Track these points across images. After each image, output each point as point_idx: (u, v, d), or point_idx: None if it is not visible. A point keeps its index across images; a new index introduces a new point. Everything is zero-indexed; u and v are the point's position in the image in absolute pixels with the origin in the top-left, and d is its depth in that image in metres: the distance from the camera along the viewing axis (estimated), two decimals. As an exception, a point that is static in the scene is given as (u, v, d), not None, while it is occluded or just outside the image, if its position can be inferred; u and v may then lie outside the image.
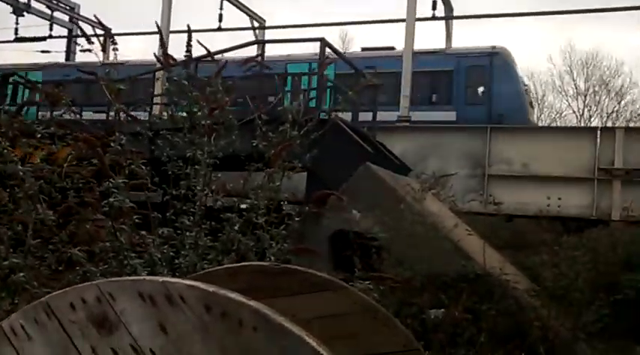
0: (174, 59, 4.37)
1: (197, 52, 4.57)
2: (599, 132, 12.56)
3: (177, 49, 4.77)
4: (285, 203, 4.47)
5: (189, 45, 4.39)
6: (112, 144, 3.61)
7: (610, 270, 8.31)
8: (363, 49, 20.05)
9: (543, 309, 7.17)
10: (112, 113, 6.73)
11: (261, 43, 15.19)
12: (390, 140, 11.92)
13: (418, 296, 6.87)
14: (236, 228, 3.74)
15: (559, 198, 11.23)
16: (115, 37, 5.23)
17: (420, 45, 16.05)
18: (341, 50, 17.43)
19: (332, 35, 34.18)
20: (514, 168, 12.94)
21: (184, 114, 4.23)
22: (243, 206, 3.83)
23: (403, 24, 15.34)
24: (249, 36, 20.32)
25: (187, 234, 3.76)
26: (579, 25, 47.11)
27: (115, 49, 4.46)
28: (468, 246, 7.94)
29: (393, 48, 18.51)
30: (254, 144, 4.16)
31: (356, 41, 32.83)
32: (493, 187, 12.75)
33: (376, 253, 7.12)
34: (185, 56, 4.45)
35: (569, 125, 14.49)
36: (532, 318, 6.98)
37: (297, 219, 3.92)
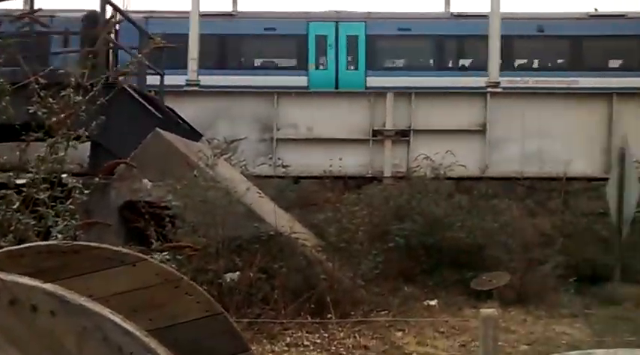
0: None
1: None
2: (372, 96, 13.73)
3: None
4: (70, 175, 4.17)
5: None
6: None
7: (383, 221, 9.32)
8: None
9: (329, 263, 7.82)
10: None
11: (27, -5, 13.52)
12: (179, 105, 11.66)
13: (214, 261, 6.99)
14: (14, 206, 3.39)
15: (340, 159, 12.17)
16: None
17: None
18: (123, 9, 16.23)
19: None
20: (300, 131, 13.61)
21: None
22: (20, 181, 3.48)
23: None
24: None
25: (-47, 215, 3.31)
26: None
27: None
28: (260, 208, 8.23)
29: None
30: (31, 111, 3.77)
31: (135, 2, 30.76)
32: (281, 151, 13.30)
33: (170, 222, 7.03)
34: None
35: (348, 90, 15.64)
36: (319, 272, 7.56)
37: (86, 191, 3.69)
